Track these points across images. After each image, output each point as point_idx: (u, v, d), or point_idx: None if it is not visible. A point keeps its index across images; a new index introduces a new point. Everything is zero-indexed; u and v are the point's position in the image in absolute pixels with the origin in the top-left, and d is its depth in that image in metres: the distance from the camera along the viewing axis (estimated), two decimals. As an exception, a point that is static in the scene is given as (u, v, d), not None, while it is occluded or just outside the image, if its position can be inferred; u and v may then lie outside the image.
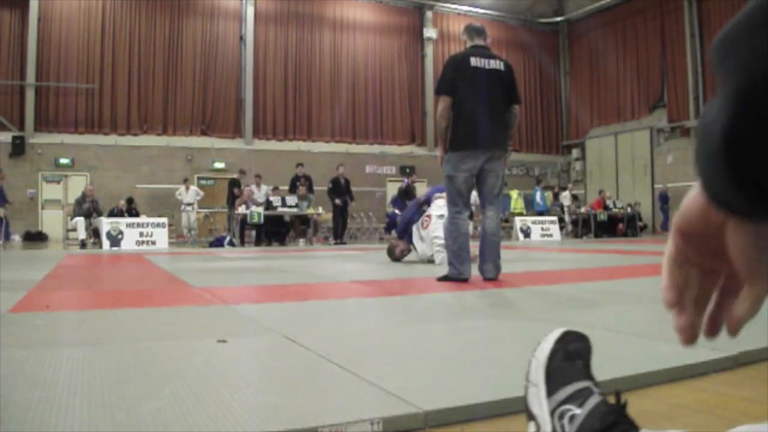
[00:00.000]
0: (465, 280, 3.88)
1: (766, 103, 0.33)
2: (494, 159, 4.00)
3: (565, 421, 0.88)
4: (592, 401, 0.88)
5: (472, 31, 4.17)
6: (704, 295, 0.47)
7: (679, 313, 0.47)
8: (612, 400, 0.89)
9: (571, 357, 0.96)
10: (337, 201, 13.18)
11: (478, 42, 4.12)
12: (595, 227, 15.40)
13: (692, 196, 0.43)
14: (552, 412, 0.91)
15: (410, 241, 6.04)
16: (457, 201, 3.99)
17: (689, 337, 0.47)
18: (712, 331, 0.47)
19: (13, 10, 16.45)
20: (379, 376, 1.46)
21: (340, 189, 13.32)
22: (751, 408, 1.30)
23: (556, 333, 1.00)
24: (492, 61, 4.01)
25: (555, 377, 0.94)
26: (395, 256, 6.18)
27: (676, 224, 0.46)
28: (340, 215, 13.35)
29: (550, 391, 0.93)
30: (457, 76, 3.94)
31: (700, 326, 0.47)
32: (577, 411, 0.88)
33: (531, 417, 0.95)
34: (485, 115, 3.92)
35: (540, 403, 0.93)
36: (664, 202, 17.95)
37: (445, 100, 3.94)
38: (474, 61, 3.95)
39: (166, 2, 17.86)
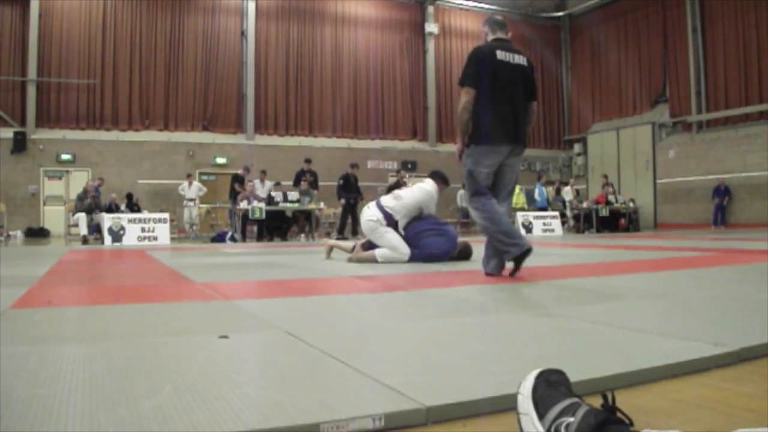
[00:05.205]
0: (529, 250, 3.78)
1: None
2: (514, 154, 3.96)
3: (562, 430, 0.92)
4: (583, 409, 0.93)
5: (495, 24, 4.05)
6: None
7: None
8: (600, 404, 0.94)
9: (553, 385, 1.02)
10: (342, 201, 13.33)
11: (501, 35, 4.01)
12: (597, 222, 15.37)
13: None
14: (548, 431, 0.95)
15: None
16: (482, 190, 3.91)
17: None
18: None
19: (14, 7, 16.44)
20: (381, 371, 1.46)
21: (350, 186, 13.47)
22: (753, 404, 1.29)
23: (534, 372, 1.07)
24: (517, 56, 3.93)
25: (543, 402, 0.99)
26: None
27: None
28: (350, 212, 13.46)
29: (541, 414, 0.98)
30: (482, 68, 3.83)
31: None
32: (571, 419, 0.92)
33: None
34: (510, 110, 3.86)
35: (535, 427, 0.98)
36: (722, 194, 16.76)
37: (469, 92, 3.82)
38: (500, 55, 3.86)
39: (167, -3, 17.84)
